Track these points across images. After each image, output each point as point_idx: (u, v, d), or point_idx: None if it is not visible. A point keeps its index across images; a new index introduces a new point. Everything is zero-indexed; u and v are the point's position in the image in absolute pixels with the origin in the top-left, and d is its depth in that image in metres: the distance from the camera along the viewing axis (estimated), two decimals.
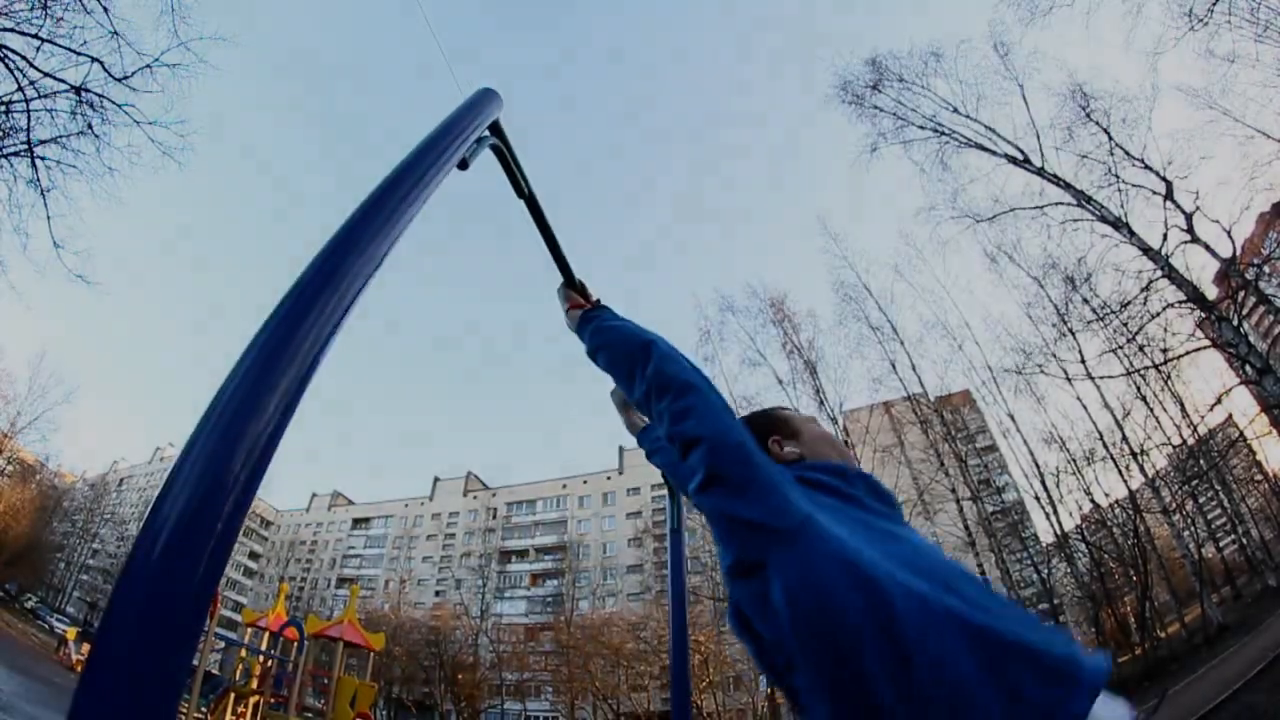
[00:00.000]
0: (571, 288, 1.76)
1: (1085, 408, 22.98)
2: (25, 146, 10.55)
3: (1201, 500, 27.93)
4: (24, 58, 10.06)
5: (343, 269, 0.85)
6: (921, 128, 19.12)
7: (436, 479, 68.71)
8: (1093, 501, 22.93)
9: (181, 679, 0.70)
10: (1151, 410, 23.00)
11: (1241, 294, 14.86)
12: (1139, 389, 22.07)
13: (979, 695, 0.76)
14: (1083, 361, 20.76)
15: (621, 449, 58.63)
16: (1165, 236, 14.60)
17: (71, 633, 24.39)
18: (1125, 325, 17.05)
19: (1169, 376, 21.14)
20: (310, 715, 17.66)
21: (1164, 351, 16.52)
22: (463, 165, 1.24)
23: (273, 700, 13.61)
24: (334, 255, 0.87)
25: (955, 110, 18.65)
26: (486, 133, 1.37)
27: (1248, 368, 13.76)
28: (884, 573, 0.85)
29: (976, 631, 0.80)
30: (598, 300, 1.70)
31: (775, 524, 0.93)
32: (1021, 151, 17.52)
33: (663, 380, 1.15)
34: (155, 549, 0.69)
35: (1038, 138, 17.21)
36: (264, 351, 0.76)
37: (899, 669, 0.79)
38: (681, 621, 2.69)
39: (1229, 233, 14.18)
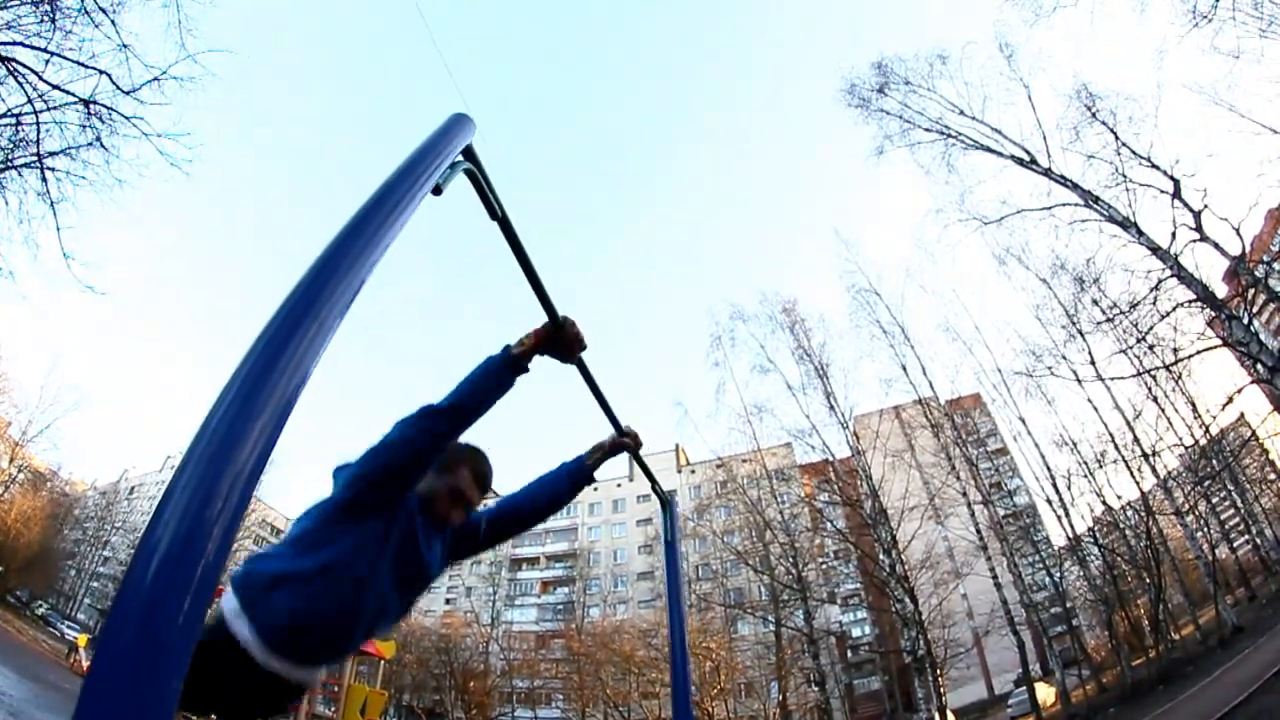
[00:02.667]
0: (549, 312, 1.87)
1: (1096, 409, 22.83)
2: (35, 158, 10.61)
3: (1214, 501, 27.68)
4: (33, 71, 10.16)
5: (321, 298, 0.86)
6: (928, 130, 19.05)
7: None
8: (1104, 504, 22.76)
9: (173, 699, 0.72)
10: (1163, 411, 22.85)
11: (1251, 292, 14.75)
12: (1150, 389, 21.89)
13: None
14: (1093, 363, 20.58)
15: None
16: (1174, 235, 14.42)
17: (82, 639, 24.45)
18: (1135, 325, 16.88)
19: (1180, 376, 20.98)
20: None
21: (1174, 351, 16.35)
22: (437, 191, 1.24)
23: None
24: (312, 285, 0.87)
25: (961, 112, 18.54)
26: (460, 157, 1.37)
27: (1259, 366, 13.64)
28: None
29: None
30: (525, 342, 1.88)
31: None
32: (1028, 152, 17.40)
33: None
34: (148, 574, 0.70)
35: (1044, 138, 17.08)
36: (248, 380, 0.77)
37: None
38: (680, 632, 2.68)
39: (1238, 230, 14.02)
